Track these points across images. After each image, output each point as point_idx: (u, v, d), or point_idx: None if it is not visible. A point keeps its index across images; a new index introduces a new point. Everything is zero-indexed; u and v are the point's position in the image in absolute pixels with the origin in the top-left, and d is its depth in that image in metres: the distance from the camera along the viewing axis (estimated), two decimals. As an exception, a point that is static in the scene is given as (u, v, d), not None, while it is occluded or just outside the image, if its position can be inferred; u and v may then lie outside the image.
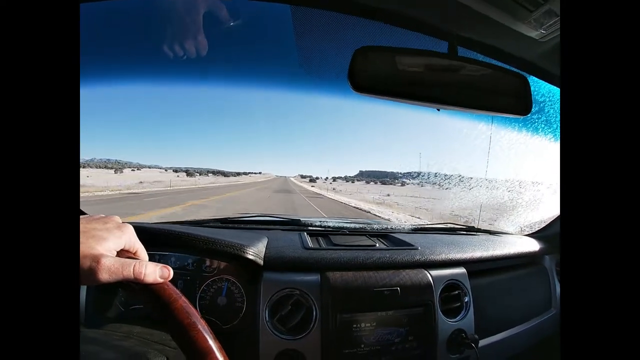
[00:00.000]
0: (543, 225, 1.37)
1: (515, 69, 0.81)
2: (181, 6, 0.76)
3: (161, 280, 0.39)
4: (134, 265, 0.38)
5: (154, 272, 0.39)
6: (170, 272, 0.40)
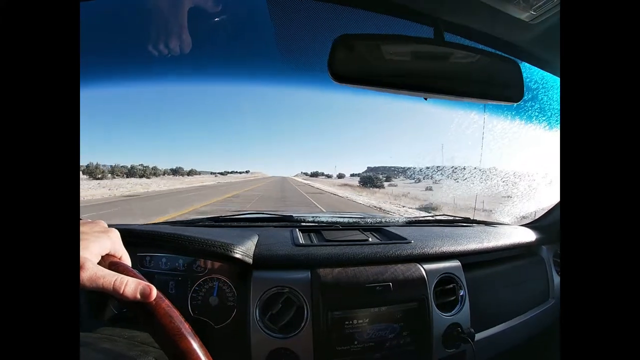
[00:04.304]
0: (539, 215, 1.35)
1: (505, 55, 0.78)
2: (159, 4, 0.73)
3: (139, 298, 0.38)
4: (115, 280, 0.37)
5: (134, 290, 0.38)
6: (152, 291, 0.39)
